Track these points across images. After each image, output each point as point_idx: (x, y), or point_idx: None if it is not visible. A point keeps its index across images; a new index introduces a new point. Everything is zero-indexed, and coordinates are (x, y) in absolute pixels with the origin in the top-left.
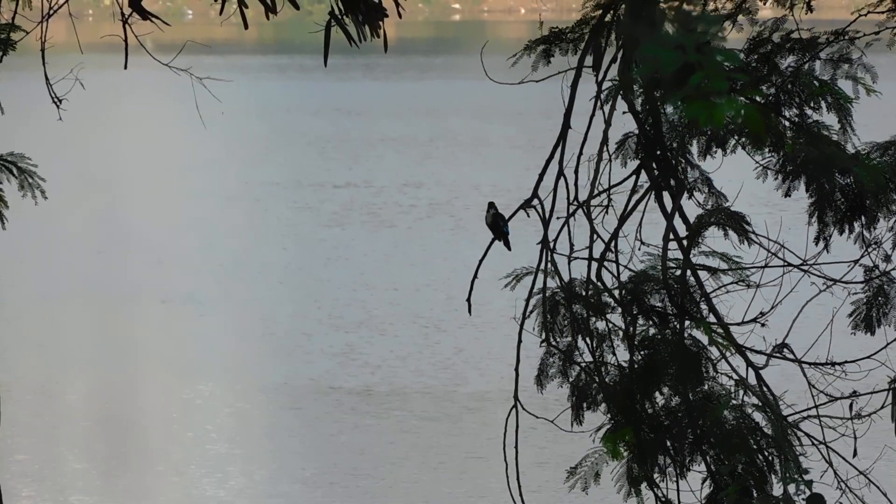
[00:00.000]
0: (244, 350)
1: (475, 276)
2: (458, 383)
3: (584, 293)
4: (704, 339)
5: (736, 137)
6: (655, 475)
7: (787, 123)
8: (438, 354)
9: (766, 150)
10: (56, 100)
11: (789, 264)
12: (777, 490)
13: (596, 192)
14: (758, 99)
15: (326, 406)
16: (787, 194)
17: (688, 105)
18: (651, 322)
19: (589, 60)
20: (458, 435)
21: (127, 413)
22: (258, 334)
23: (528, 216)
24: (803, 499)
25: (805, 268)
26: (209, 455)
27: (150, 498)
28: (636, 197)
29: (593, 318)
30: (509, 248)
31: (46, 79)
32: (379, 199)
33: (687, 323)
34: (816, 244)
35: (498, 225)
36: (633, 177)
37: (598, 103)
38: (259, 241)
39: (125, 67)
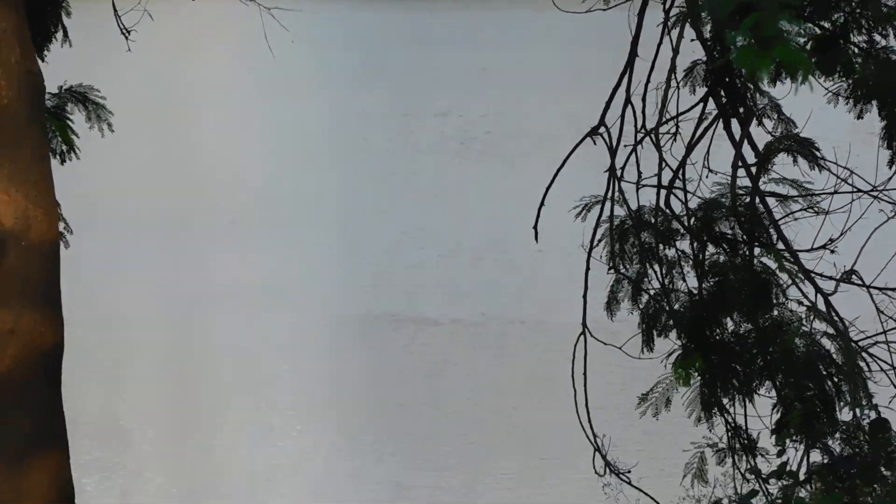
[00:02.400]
0: (326, 279)
1: (542, 204)
2: (527, 312)
3: (652, 221)
4: (774, 266)
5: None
6: (725, 401)
7: (855, 50)
8: (507, 283)
9: (836, 75)
10: (124, 31)
11: (859, 190)
12: (845, 416)
13: (664, 119)
14: (817, 30)
15: (395, 336)
16: (859, 116)
17: (738, 52)
18: (720, 249)
19: None
20: (528, 363)
21: (196, 346)
22: (344, 264)
23: (595, 144)
24: (868, 423)
25: (875, 193)
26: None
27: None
28: (704, 124)
29: (662, 246)
30: None
31: (115, 10)
32: (458, 130)
33: (756, 250)
34: (890, 167)
35: None
36: (701, 104)
37: (666, 31)
38: (341, 171)
39: None
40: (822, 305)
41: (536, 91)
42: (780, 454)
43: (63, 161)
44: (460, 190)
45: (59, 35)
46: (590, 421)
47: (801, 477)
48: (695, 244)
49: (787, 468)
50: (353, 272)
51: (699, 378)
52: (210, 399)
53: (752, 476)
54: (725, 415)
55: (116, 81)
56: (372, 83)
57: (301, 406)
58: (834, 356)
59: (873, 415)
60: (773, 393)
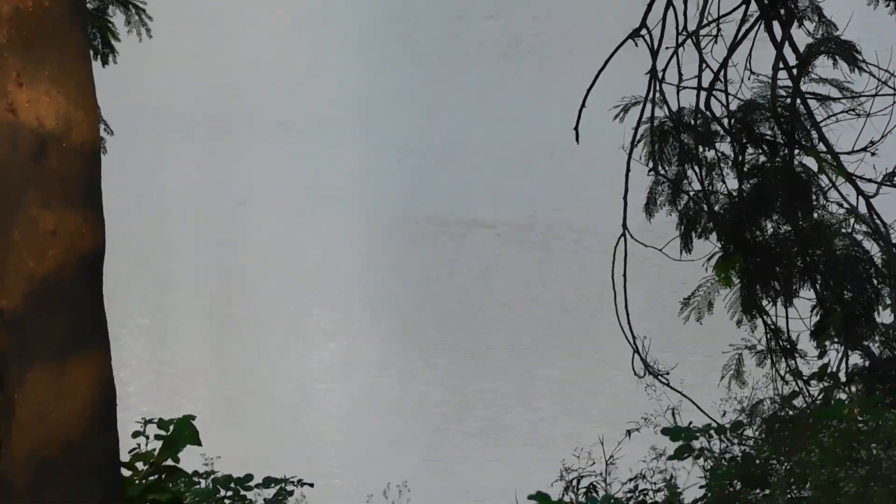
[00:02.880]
0: (375, 181)
1: (583, 105)
2: (566, 213)
3: (693, 122)
4: (814, 168)
5: None
6: (764, 303)
7: None
8: (547, 185)
9: None
10: None
11: None
12: (887, 319)
13: (705, 21)
14: None
15: (443, 238)
16: None
17: None
18: (760, 150)
19: None
20: (575, 265)
21: (241, 247)
22: (392, 166)
23: (637, 45)
24: None
25: None
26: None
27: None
28: (746, 26)
29: (702, 147)
30: None
31: None
32: (506, 32)
33: (796, 151)
34: None
35: None
36: (743, 6)
37: None
38: (389, 73)
39: None
40: (863, 208)
41: None
42: (821, 356)
43: (104, 63)
44: (507, 92)
45: None
46: (629, 322)
47: (842, 379)
48: (735, 146)
49: (828, 370)
50: (401, 174)
51: (740, 280)
52: (257, 301)
53: (794, 377)
54: (765, 317)
55: None
56: None
57: (350, 308)
58: (874, 259)
59: None
60: (813, 295)
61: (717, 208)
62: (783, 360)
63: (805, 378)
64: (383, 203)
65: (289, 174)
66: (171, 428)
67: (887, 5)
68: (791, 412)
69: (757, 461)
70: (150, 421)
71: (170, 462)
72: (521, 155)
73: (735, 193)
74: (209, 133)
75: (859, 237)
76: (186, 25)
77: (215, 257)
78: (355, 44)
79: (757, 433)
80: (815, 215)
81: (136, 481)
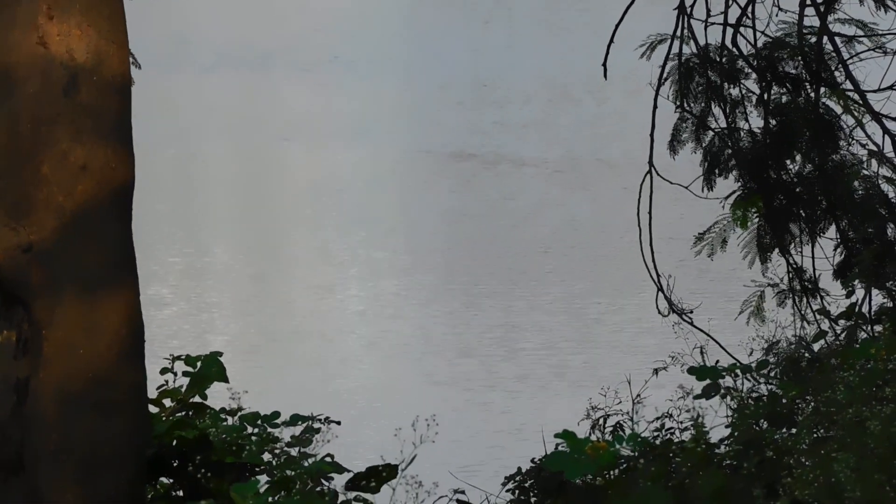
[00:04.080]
0: (417, 118)
1: (611, 41)
2: (592, 149)
3: (719, 59)
4: (839, 107)
5: None
6: (786, 242)
7: None
8: (571, 120)
9: None
10: None
11: None
12: None
13: None
14: None
15: (446, 172)
16: None
17: None
18: (785, 88)
19: None
20: (594, 199)
21: (273, 187)
22: (433, 102)
23: None
24: None
25: None
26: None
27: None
28: None
29: (727, 84)
30: None
31: None
32: None
33: (822, 90)
34: None
35: None
36: None
37: None
38: (433, 14)
39: None
40: (889, 146)
41: None
42: (848, 295)
43: None
44: (552, 30)
45: None
46: (654, 260)
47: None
48: (760, 83)
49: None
50: (445, 111)
51: (757, 220)
52: (297, 240)
53: (821, 317)
54: (787, 256)
55: None
56: None
57: (398, 247)
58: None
59: None
60: (834, 234)
61: (740, 146)
62: (804, 299)
63: (833, 318)
64: (418, 137)
65: (332, 110)
66: (199, 364)
67: None
68: (813, 352)
69: (783, 400)
70: (178, 357)
71: (197, 399)
72: (537, 93)
73: (759, 132)
74: (246, 66)
75: (880, 179)
76: None
77: (254, 195)
78: None
79: (778, 372)
80: (840, 155)
81: (164, 417)
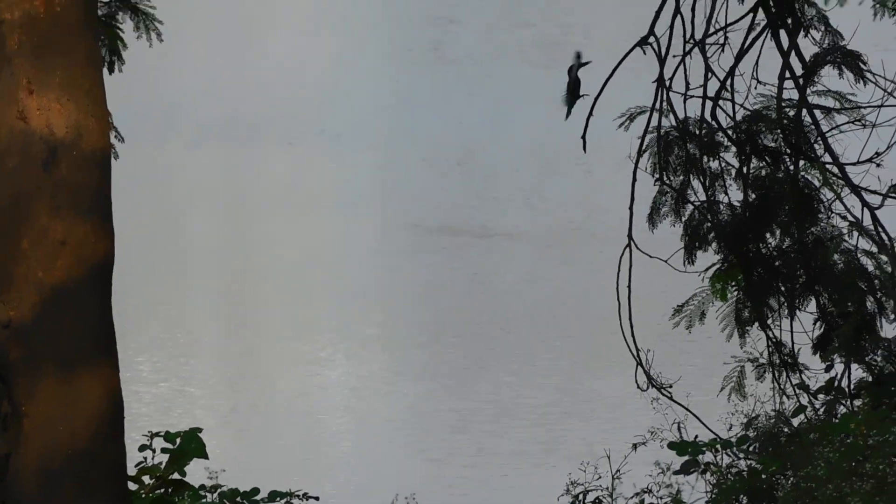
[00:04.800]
0: (393, 190)
1: (590, 114)
2: (579, 221)
3: (698, 132)
4: (818, 180)
5: None
6: (766, 316)
7: None
8: (557, 192)
9: None
10: None
11: None
12: (890, 332)
13: (712, 30)
14: None
15: (431, 245)
16: None
17: None
18: (765, 162)
19: None
20: (572, 274)
21: (251, 257)
22: (365, 175)
23: (645, 53)
24: None
25: None
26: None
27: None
28: (752, 35)
29: (707, 158)
30: (566, 116)
31: None
32: (480, 38)
33: (801, 163)
34: None
35: (576, 90)
36: (750, 14)
37: None
38: (410, 80)
39: None
40: (868, 219)
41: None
42: (827, 370)
43: (111, 71)
44: (536, 99)
45: None
46: (633, 334)
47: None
48: (739, 156)
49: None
50: (429, 183)
51: (738, 293)
52: (292, 311)
53: (800, 391)
54: (766, 330)
55: None
56: None
57: (387, 322)
58: (875, 272)
59: None
60: (814, 309)
61: (720, 219)
62: (784, 373)
63: (812, 392)
64: (403, 210)
65: (317, 182)
66: (178, 441)
67: (892, 16)
68: (793, 427)
69: (763, 475)
70: (157, 434)
71: (176, 476)
72: (515, 165)
73: (739, 205)
74: (233, 139)
75: (860, 251)
76: (203, 30)
77: (241, 269)
78: (381, 51)
79: (757, 447)
80: (819, 228)
81: (143, 495)
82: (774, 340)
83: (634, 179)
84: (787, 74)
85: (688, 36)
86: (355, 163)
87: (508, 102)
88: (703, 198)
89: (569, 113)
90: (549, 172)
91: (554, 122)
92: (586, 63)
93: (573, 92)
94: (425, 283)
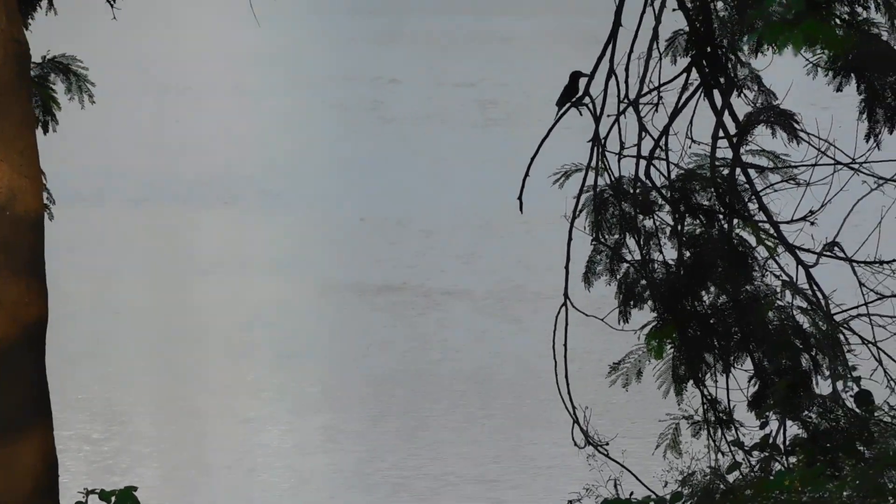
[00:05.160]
0: (330, 250)
1: (527, 174)
2: (508, 281)
3: (632, 191)
4: (752, 238)
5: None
6: (701, 373)
7: (838, 21)
8: (489, 253)
9: (817, 47)
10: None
11: (839, 163)
12: (825, 389)
13: (646, 89)
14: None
15: (372, 305)
16: (838, 89)
17: (767, 27)
18: (699, 220)
19: None
20: (509, 333)
21: (187, 324)
22: (305, 235)
23: (581, 114)
24: (851, 395)
25: (855, 166)
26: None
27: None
28: (686, 95)
29: (641, 216)
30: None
31: None
32: (422, 97)
33: (735, 221)
34: (867, 142)
35: (571, 93)
36: (684, 74)
37: (649, 1)
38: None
39: None
40: (803, 278)
41: (537, 60)
42: (762, 426)
43: (45, 131)
44: (476, 159)
45: (44, 3)
46: (569, 391)
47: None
48: (674, 215)
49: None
50: (368, 243)
51: (672, 351)
52: (233, 371)
53: (736, 448)
54: (701, 387)
55: (101, 50)
56: (386, 46)
57: (329, 381)
58: (810, 329)
59: (855, 388)
60: (749, 366)
61: (655, 278)
62: (720, 430)
63: (747, 449)
64: (343, 270)
65: (248, 239)
66: (113, 500)
67: (826, 75)
68: (728, 484)
69: None
70: (93, 492)
71: None
72: (452, 225)
73: (673, 263)
74: (171, 198)
75: (794, 309)
76: (131, 91)
77: (180, 329)
78: (324, 108)
79: None
80: (753, 286)
81: None
82: (709, 398)
83: (570, 238)
84: (721, 134)
85: (622, 95)
86: (294, 222)
87: (448, 161)
88: (637, 256)
89: (558, 113)
90: (487, 232)
91: (493, 181)
92: (589, 77)
93: (568, 94)
94: (367, 341)
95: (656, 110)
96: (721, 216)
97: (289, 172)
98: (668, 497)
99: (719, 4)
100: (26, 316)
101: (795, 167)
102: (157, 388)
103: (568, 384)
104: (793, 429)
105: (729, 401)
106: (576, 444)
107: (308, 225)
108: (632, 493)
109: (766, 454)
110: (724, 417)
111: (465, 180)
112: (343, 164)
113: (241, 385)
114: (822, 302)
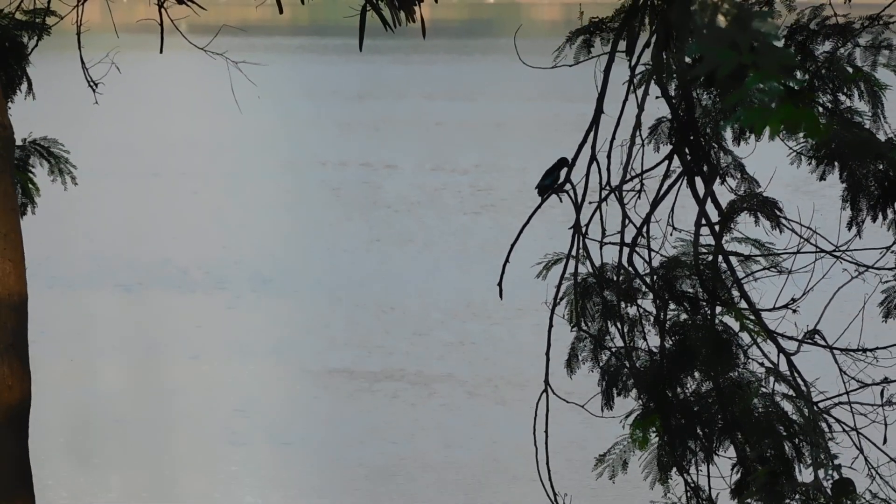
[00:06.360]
0: (281, 335)
1: (507, 261)
2: (488, 368)
3: (615, 278)
4: (735, 326)
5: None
6: (685, 461)
7: (820, 109)
8: (470, 340)
9: (800, 135)
10: (92, 84)
11: (821, 250)
12: (807, 477)
13: (628, 177)
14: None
15: (356, 391)
16: (821, 178)
17: (745, 112)
18: (682, 308)
19: (623, 45)
20: (488, 420)
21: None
22: (298, 320)
23: (561, 201)
24: (832, 483)
25: (837, 254)
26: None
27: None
28: (668, 182)
29: (624, 304)
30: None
31: (82, 62)
32: (414, 183)
33: (718, 309)
34: (849, 230)
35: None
36: (666, 162)
37: (631, 88)
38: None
39: (161, 51)
40: (784, 365)
41: (515, 145)
42: None
43: (23, 214)
44: (434, 244)
45: (24, 87)
46: (550, 480)
47: None
48: (657, 302)
49: None
50: (359, 330)
51: (657, 440)
52: (226, 460)
53: None
54: (685, 475)
55: (84, 134)
56: (348, 133)
57: (323, 470)
58: (794, 417)
59: (836, 475)
60: (732, 453)
61: (638, 365)
62: None
63: None
64: (337, 356)
65: (239, 325)
66: None
67: (809, 164)
68: None
69: None
70: None
71: None
72: (433, 312)
73: (657, 351)
74: (162, 283)
75: (778, 396)
76: (113, 175)
77: (170, 417)
78: (317, 191)
79: None
80: (736, 373)
81: None
82: (692, 485)
83: (551, 325)
84: (703, 221)
85: (604, 182)
86: (286, 308)
87: (440, 247)
88: (620, 344)
89: (541, 195)
90: (473, 320)
91: (482, 269)
92: (570, 164)
93: (549, 175)
94: (362, 429)
95: (638, 198)
96: (704, 304)
97: (280, 259)
98: None
99: (703, 94)
100: (9, 398)
101: (778, 255)
102: (144, 482)
103: (549, 471)
104: None
105: (710, 488)
106: None
107: (300, 311)
108: None
109: None
110: None
111: (458, 266)
112: (336, 250)
113: (237, 476)
114: (804, 389)
